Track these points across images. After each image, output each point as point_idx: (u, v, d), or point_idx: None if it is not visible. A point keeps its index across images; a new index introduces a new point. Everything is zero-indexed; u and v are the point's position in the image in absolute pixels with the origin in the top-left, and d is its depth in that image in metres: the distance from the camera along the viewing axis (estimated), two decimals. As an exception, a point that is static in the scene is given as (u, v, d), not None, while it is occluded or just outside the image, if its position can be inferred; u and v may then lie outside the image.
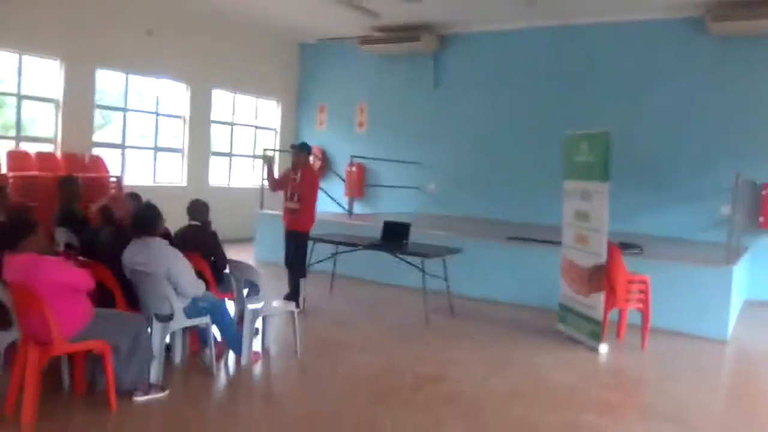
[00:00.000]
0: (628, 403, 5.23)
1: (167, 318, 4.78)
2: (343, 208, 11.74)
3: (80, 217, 6.59)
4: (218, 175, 12.77)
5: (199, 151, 12.19)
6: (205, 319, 4.98)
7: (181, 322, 4.84)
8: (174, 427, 4.19)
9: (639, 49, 10.50)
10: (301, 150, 7.54)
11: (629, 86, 10.54)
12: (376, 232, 8.55)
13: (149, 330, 4.69)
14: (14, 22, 9.20)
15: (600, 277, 6.40)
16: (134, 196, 5.85)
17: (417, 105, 12.54)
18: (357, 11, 10.72)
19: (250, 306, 5.44)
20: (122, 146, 11.13)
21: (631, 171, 9.74)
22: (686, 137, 10.10)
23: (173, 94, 11.85)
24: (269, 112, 13.94)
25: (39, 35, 9.59)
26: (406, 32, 11.88)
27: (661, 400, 5.25)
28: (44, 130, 10.18)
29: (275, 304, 5.57)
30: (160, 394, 4.57)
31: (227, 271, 5.77)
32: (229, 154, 13.11)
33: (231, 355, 5.44)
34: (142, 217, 4.79)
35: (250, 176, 13.52)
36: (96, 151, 10.60)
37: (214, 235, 5.76)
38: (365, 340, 6.45)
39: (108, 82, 10.89)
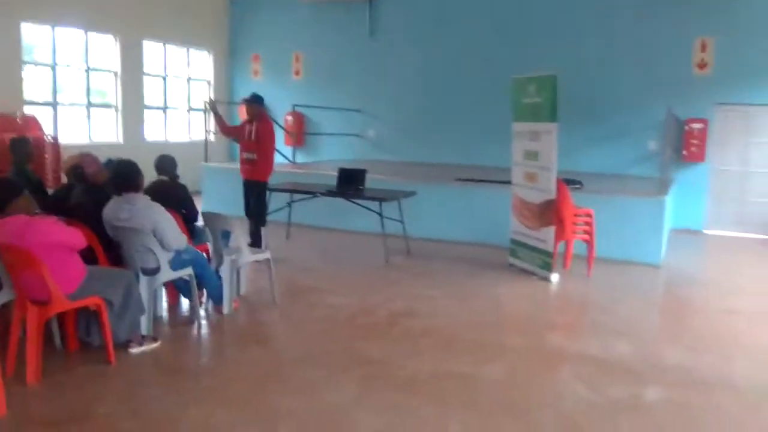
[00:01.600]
0: (582, 323, 5.78)
1: (154, 271, 4.89)
2: (285, 157, 11.79)
3: (35, 178, 6.49)
4: (153, 130, 12.49)
5: (133, 106, 11.88)
6: (188, 271, 5.11)
7: (167, 274, 4.96)
8: (174, 374, 4.37)
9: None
10: (255, 102, 7.60)
11: (566, 29, 10.96)
12: (326, 179, 8.79)
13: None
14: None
15: (550, 212, 6.88)
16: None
17: (354, 53, 12.61)
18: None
19: (228, 256, 5.59)
20: (54, 104, 10.72)
21: (565, 111, 10.19)
22: (617, 78, 10.66)
23: (101, 47, 11.42)
24: (201, 63, 13.64)
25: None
26: (341, -22, 11.85)
27: (610, 319, 5.83)
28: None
29: (249, 252, 5.74)
30: (154, 345, 4.73)
31: (200, 222, 5.87)
32: (164, 108, 12.82)
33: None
34: (123, 174, 4.82)
35: (187, 130, 13.30)
36: (27, 110, 10.18)
37: (184, 188, 5.82)
38: (333, 284, 6.74)
39: (33, 37, 10.38)
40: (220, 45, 13.73)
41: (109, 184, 4.94)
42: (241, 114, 13.49)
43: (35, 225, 4.07)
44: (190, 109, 13.41)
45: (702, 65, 10.15)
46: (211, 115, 7.91)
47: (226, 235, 5.90)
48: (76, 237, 4.27)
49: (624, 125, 10.59)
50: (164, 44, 12.58)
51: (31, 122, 10.01)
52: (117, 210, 4.77)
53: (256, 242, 7.45)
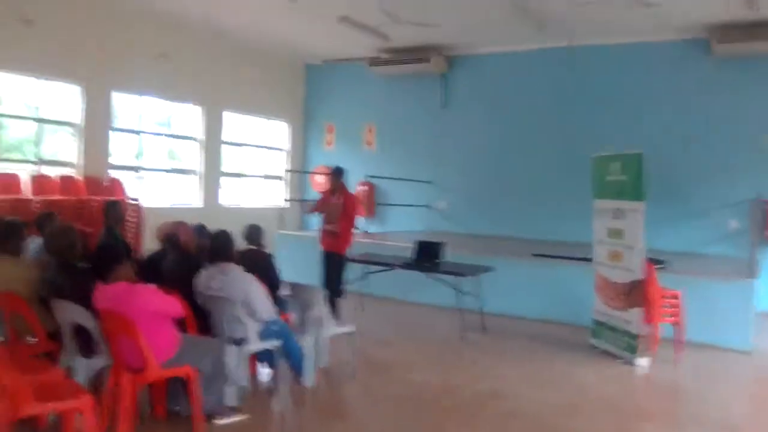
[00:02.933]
0: (677, 412, 5.45)
1: (242, 341, 4.90)
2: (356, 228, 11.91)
3: (122, 241, 6.69)
4: (229, 195, 12.84)
5: (212, 173, 12.28)
6: (276, 342, 5.10)
7: (255, 345, 4.96)
8: (262, 449, 4.31)
9: (645, 69, 10.85)
10: (339, 174, 7.74)
11: (636, 105, 10.87)
12: (398, 250, 8.79)
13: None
14: (34, 46, 9.25)
15: (637, 293, 6.65)
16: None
17: (425, 124, 12.79)
18: (367, 34, 10.95)
19: (313, 327, 5.57)
20: (138, 168, 11.17)
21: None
22: (692, 155, 10.42)
23: (184, 117, 11.94)
24: (279, 132, 14.08)
25: (58, 59, 9.65)
26: (415, 53, 12.13)
27: (706, 408, 5.50)
28: (63, 153, 10.21)
29: (333, 324, 5.71)
30: (240, 417, 4.70)
31: (287, 292, 5.89)
32: (240, 175, 13.20)
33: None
34: (217, 243, 4.93)
35: (262, 196, 13.63)
36: (112, 173, 10.63)
37: (270, 257, 5.89)
38: (410, 359, 6.62)
39: (123, 106, 10.94)
40: (297, 115, 14.16)
41: (202, 252, 5.04)
42: (313, 183, 13.83)
43: (136, 292, 4.15)
44: (267, 177, 13.77)
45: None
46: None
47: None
48: (174, 306, 4.33)
49: (703, 204, 10.29)
50: (243, 114, 13.03)
51: (116, 185, 10.46)
52: (210, 279, 4.85)
53: (333, 314, 7.46)
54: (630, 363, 6.63)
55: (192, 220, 8.69)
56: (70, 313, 4.35)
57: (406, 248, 9.06)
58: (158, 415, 4.64)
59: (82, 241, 4.60)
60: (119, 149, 10.94)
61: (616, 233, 7.00)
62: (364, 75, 13.07)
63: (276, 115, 13.76)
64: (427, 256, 7.91)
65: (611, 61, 11.13)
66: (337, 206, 7.59)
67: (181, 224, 5.43)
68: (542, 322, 8.39)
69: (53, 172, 9.87)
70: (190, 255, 5.33)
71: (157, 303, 4.22)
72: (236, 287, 4.78)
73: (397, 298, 9.25)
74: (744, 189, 10.06)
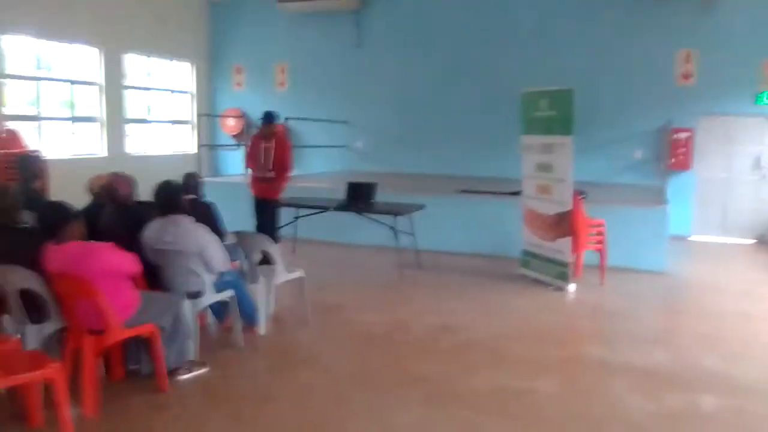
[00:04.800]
0: (613, 332, 5.85)
1: (197, 294, 4.77)
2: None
3: (41, 197, 6.26)
4: (135, 143, 12.17)
5: (115, 120, 11.56)
6: (230, 293, 5.00)
7: (210, 297, 4.85)
8: (232, 400, 4.26)
9: (554, 7, 11.11)
10: (271, 120, 7.52)
11: (546, 42, 11.14)
12: (326, 192, 8.77)
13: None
14: None
15: (565, 224, 7.00)
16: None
17: (340, 63, 12.54)
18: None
19: (263, 275, 5.50)
20: (37, 118, 10.34)
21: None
22: (602, 90, 10.83)
23: (84, 61, 11.09)
24: (184, 75, 13.37)
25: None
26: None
27: (638, 327, 5.98)
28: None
29: (284, 271, 5.65)
30: (203, 370, 4.62)
31: (233, 241, 5.73)
32: (145, 121, 12.51)
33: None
34: (166, 195, 4.70)
35: (170, 143, 13.02)
36: (9, 124, 9.79)
37: (212, 206, 5.69)
38: (356, 300, 6.69)
39: (14, 50, 10.01)
40: (202, 56, 13.48)
41: (142, 204, 4.80)
42: (224, 126, 13.36)
43: (93, 252, 3.93)
44: (174, 122, 13.14)
45: (686, 76, 10.48)
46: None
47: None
48: (132, 263, 4.14)
49: (610, 136, 10.82)
50: (147, 56, 12.27)
51: (15, 137, 9.65)
52: (161, 232, 4.64)
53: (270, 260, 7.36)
54: (561, 289, 7.03)
55: (98, 171, 8.25)
56: (15, 278, 4.06)
57: (332, 190, 9.07)
58: (116, 377, 4.47)
59: (20, 201, 4.26)
60: (13, 98, 10.06)
61: (544, 167, 7.28)
62: (274, 13, 12.58)
63: (180, 56, 13.04)
64: (359, 197, 7.91)
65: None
66: (270, 151, 7.39)
67: (120, 176, 5.12)
68: (472, 255, 8.68)
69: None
70: (130, 208, 5.06)
71: (114, 261, 4.00)
72: (190, 239, 4.61)
73: (327, 240, 9.24)
74: (648, 120, 10.67)
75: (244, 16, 13.21)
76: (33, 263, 4.03)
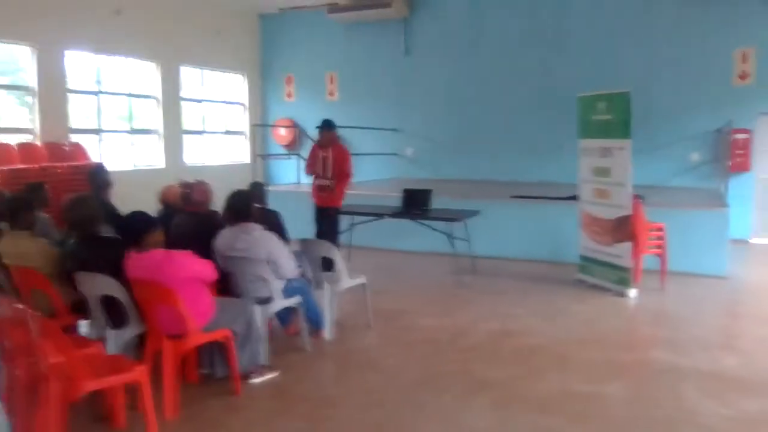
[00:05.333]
0: (680, 337, 5.75)
1: (266, 300, 4.89)
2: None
3: (112, 207, 6.48)
4: (191, 154, 12.49)
5: (172, 131, 11.89)
6: (297, 299, 5.12)
7: (280, 303, 4.97)
8: (306, 403, 4.35)
9: (609, 9, 11.00)
10: (329, 128, 7.63)
11: (600, 45, 11.04)
12: (380, 199, 8.87)
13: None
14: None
15: (625, 228, 6.93)
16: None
17: (389, 71, 12.65)
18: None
19: (328, 282, 5.60)
20: (98, 131, 10.72)
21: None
22: (656, 90, 10.71)
23: (141, 75, 11.45)
24: (236, 86, 13.68)
25: (7, 19, 9.07)
26: (375, -1, 11.93)
27: (705, 332, 5.88)
28: (18, 120, 9.69)
29: (347, 277, 5.74)
30: (273, 374, 4.73)
31: (297, 249, 5.86)
32: (201, 132, 12.84)
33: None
34: (238, 204, 4.84)
35: (224, 153, 13.32)
36: (73, 138, 10.18)
37: (278, 215, 5.82)
38: (413, 305, 6.74)
39: (76, 66, 10.40)
40: (254, 68, 13.76)
41: (222, 214, 4.95)
42: (275, 136, 13.60)
43: (174, 259, 4.08)
44: (227, 132, 13.45)
45: (743, 76, 10.27)
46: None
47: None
48: (210, 270, 4.28)
49: (666, 138, 10.64)
50: (200, 69, 12.59)
51: (78, 150, 10.02)
52: (232, 239, 4.78)
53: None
54: (622, 295, 6.96)
55: (156, 182, 8.47)
56: (97, 285, 4.24)
57: (383, 197, 9.18)
58: (191, 380, 4.61)
59: (101, 211, 4.45)
60: (77, 112, 10.45)
61: (602, 171, 7.22)
62: (323, 23, 12.78)
63: (232, 68, 13.35)
64: (415, 204, 7.97)
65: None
66: (328, 160, 7.52)
67: (199, 184, 5.28)
68: (527, 261, 8.67)
69: (9, 140, 9.36)
70: (203, 216, 5.22)
71: (194, 269, 4.16)
72: (261, 247, 4.74)
73: (381, 247, 9.32)
74: (704, 121, 10.47)
75: (294, 27, 13.45)
76: (114, 271, 4.21)
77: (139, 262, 4.07)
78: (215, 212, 5.32)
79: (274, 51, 13.76)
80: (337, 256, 5.65)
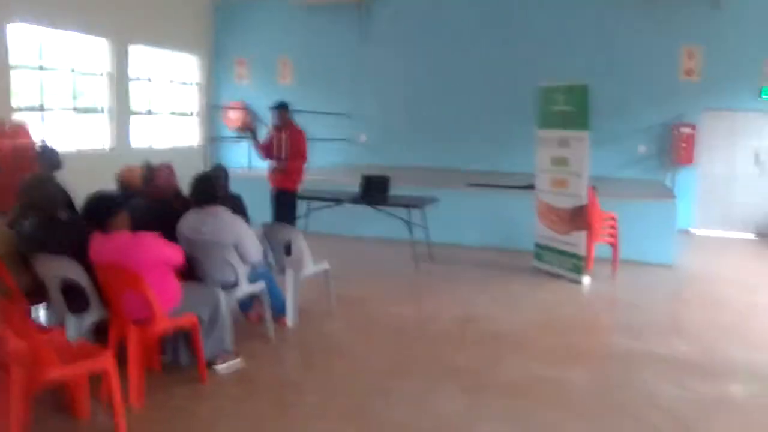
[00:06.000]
0: (634, 323, 5.91)
1: (232, 285, 4.79)
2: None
3: (62, 189, 6.22)
4: (139, 136, 12.08)
5: (120, 111, 11.48)
6: (261, 284, 5.03)
7: (244, 288, 4.87)
8: (273, 391, 4.30)
9: (561, 2, 11.18)
10: (284, 108, 7.53)
11: (553, 36, 11.21)
12: (334, 186, 8.81)
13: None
14: None
15: (582, 217, 7.09)
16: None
17: (344, 57, 12.52)
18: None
19: (290, 267, 5.52)
20: (42, 109, 10.25)
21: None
22: (605, 84, 10.91)
23: (88, 51, 10.99)
24: (188, 67, 13.29)
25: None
26: (332, -17, 11.78)
27: (658, 318, 6.11)
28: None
29: (311, 263, 5.68)
30: (236, 360, 4.64)
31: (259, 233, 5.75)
32: (150, 113, 12.43)
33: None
34: (204, 186, 4.72)
35: (173, 135, 12.95)
36: (15, 116, 9.69)
37: (240, 199, 5.69)
38: (375, 292, 6.73)
39: (20, 39, 9.89)
40: (206, 48, 13.40)
41: (189, 197, 4.80)
42: (226, 119, 13.32)
43: (141, 242, 3.94)
44: (179, 114, 13.08)
45: (689, 72, 10.62)
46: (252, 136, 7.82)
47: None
48: (178, 254, 4.17)
49: (615, 130, 10.89)
50: (152, 48, 12.18)
51: (21, 129, 9.54)
52: (198, 223, 4.66)
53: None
54: (577, 282, 7.13)
55: (101, 165, 8.17)
56: (57, 268, 4.07)
57: (336, 183, 9.13)
58: (154, 367, 4.48)
59: (62, 192, 4.26)
60: (18, 88, 9.96)
61: (560, 161, 7.36)
62: (278, 6, 12.57)
63: (184, 48, 12.96)
64: (374, 190, 7.95)
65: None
66: (285, 141, 7.41)
67: (164, 167, 5.11)
68: (482, 248, 8.76)
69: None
70: (161, 200, 5.06)
71: (162, 252, 4.03)
72: (228, 230, 4.64)
73: (337, 233, 9.25)
74: (651, 115, 10.81)
75: (248, 9, 13.14)
76: (75, 253, 4.04)
77: (105, 245, 3.92)
78: (179, 195, 5.17)
79: (227, 32, 13.43)
80: (301, 241, 5.58)
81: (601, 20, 11.01)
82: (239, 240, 4.69)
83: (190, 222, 4.69)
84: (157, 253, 3.99)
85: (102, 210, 3.96)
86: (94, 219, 3.97)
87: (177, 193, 5.15)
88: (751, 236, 10.55)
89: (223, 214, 4.69)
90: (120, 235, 3.92)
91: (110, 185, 5.28)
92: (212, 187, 4.75)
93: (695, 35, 10.54)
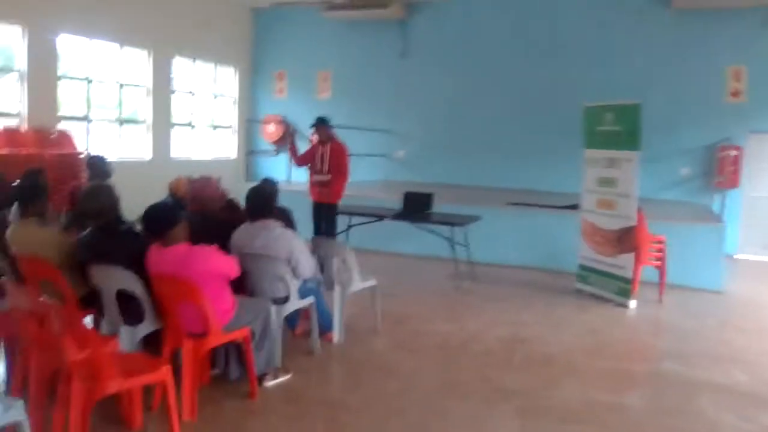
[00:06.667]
0: (687, 350, 5.74)
1: (283, 300, 4.76)
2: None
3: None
4: (178, 147, 12.20)
5: (162, 123, 11.61)
6: (311, 299, 5.00)
7: (295, 303, 4.84)
8: (325, 408, 4.24)
9: (604, 19, 11.07)
10: (324, 124, 7.57)
11: (595, 54, 11.10)
12: (376, 201, 8.78)
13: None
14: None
15: (629, 239, 6.96)
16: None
17: (384, 73, 12.54)
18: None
19: (339, 283, 5.48)
20: (87, 119, 10.40)
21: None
22: (647, 104, 10.75)
23: (132, 63, 11.16)
24: (226, 80, 13.42)
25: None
26: (373, -2, 11.82)
27: (712, 345, 5.92)
28: (5, 103, 9.33)
29: (360, 279, 5.63)
30: (287, 377, 4.60)
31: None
32: (190, 125, 12.55)
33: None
34: (259, 200, 4.71)
35: (211, 147, 13.06)
36: (61, 125, 9.85)
37: (289, 213, 5.67)
38: (418, 310, 6.66)
39: (68, 51, 10.07)
40: (244, 61, 13.53)
41: (244, 209, 4.80)
42: (264, 132, 13.41)
43: (199, 254, 3.93)
44: (216, 126, 13.20)
45: (735, 93, 10.44)
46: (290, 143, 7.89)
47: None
48: (234, 267, 4.14)
49: (658, 151, 10.65)
50: (192, 60, 12.33)
51: (66, 138, 9.70)
52: (252, 237, 4.64)
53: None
54: (623, 305, 6.99)
55: (142, 175, 8.17)
56: (114, 278, 4.07)
57: (379, 198, 9.11)
58: (203, 381, 4.44)
59: (119, 202, 4.27)
60: (66, 98, 10.12)
61: (608, 182, 7.24)
62: (318, 20, 12.61)
63: (224, 60, 13.10)
64: (416, 207, 7.91)
65: (573, 10, 11.26)
66: (326, 155, 7.45)
67: (207, 180, 5.12)
68: (523, 268, 8.65)
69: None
70: (215, 213, 5.05)
71: (219, 264, 4.01)
72: (281, 245, 4.61)
73: (378, 249, 9.20)
74: (695, 137, 10.63)
75: (287, 22, 13.25)
76: (132, 264, 4.04)
77: (163, 257, 3.91)
78: (229, 206, 5.17)
79: (266, 46, 13.55)
80: (351, 256, 5.54)
81: (646, 39, 10.87)
82: (293, 254, 4.66)
83: (243, 235, 4.68)
84: (215, 265, 3.98)
85: (162, 221, 3.95)
86: (153, 229, 3.96)
87: (226, 204, 5.14)
88: (796, 262, 10.29)
89: (276, 228, 4.67)
90: (179, 247, 3.91)
91: (150, 195, 5.24)
92: (266, 201, 4.74)
93: (741, 55, 10.36)
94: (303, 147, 8.71)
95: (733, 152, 10.30)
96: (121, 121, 11.07)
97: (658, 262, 7.33)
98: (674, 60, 10.72)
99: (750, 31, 10.25)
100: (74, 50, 10.16)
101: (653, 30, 10.82)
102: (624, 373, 5.11)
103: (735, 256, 10.43)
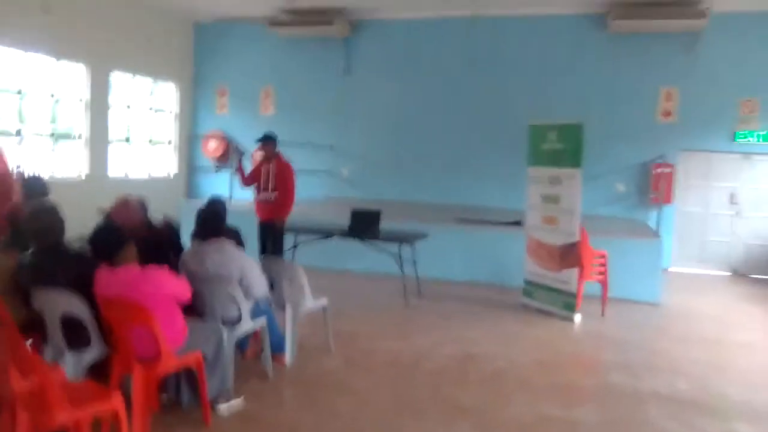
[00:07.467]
0: (632, 362, 5.90)
1: (235, 321, 4.66)
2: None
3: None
4: (117, 163, 11.82)
5: (99, 139, 11.24)
6: (263, 321, 4.91)
7: (248, 324, 4.74)
8: (275, 429, 4.18)
9: (544, 41, 11.39)
10: (271, 141, 7.51)
11: (536, 74, 11.40)
12: (324, 219, 8.75)
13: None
14: None
15: (573, 255, 7.14)
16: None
17: (327, 90, 12.51)
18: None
19: (290, 303, 5.40)
20: (20, 133, 9.97)
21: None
22: (586, 122, 11.10)
23: (66, 77, 10.78)
24: (166, 95, 13.11)
25: None
26: (318, 16, 11.79)
27: (652, 356, 6.14)
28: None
29: (311, 299, 5.57)
30: (238, 400, 4.49)
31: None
32: (128, 140, 12.18)
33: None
34: (210, 218, 4.61)
35: (149, 164, 12.70)
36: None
37: (238, 233, 5.58)
38: (366, 328, 6.64)
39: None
40: (185, 77, 13.26)
41: (194, 230, 4.68)
42: (205, 149, 13.16)
43: (151, 276, 3.81)
44: (156, 143, 12.86)
45: (667, 113, 10.90)
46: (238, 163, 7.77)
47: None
48: (186, 289, 4.03)
49: (594, 168, 11.02)
50: (132, 74, 12.01)
51: (-3, 155, 9.26)
52: (203, 257, 4.54)
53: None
54: (568, 319, 7.15)
55: (75, 194, 7.84)
56: (58, 302, 3.90)
57: (325, 216, 9.08)
58: (152, 408, 4.29)
59: (64, 222, 4.09)
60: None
61: (552, 198, 7.42)
62: (261, 36, 12.50)
63: (163, 76, 12.80)
64: (363, 225, 7.89)
65: (514, 32, 11.52)
66: (271, 173, 7.38)
67: (132, 201, 4.95)
68: (471, 284, 8.75)
69: None
70: (146, 235, 4.87)
71: (171, 287, 3.90)
72: (233, 265, 4.53)
73: (323, 267, 9.12)
74: (629, 154, 11.02)
75: (230, 38, 13.08)
76: (78, 286, 3.88)
77: (112, 279, 3.77)
78: (150, 228, 5.01)
79: (208, 61, 13.33)
80: (302, 275, 5.48)
81: (585, 61, 11.22)
82: (245, 274, 4.58)
83: (193, 255, 4.57)
84: (167, 287, 3.87)
85: (110, 242, 3.82)
86: (101, 251, 3.82)
87: (147, 226, 4.97)
88: (726, 274, 10.77)
89: (228, 247, 4.58)
90: (131, 269, 3.78)
91: (87, 215, 5.06)
92: (218, 219, 4.65)
93: (672, 77, 10.83)
94: (247, 167, 8.57)
95: (667, 169, 10.73)
96: (56, 137, 10.66)
97: (601, 277, 7.54)
98: (611, 81, 11.12)
99: (681, 54, 10.72)
100: (5, 62, 9.74)
101: (591, 52, 11.19)
102: (573, 387, 5.22)
103: (669, 269, 10.83)
